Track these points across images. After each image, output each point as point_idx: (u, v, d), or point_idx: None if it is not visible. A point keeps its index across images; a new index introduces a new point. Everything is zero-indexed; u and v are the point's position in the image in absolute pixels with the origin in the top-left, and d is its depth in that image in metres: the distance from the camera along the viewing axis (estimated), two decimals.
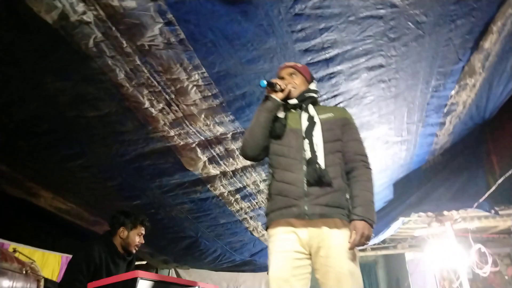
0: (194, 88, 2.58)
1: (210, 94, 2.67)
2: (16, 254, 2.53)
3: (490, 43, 2.91)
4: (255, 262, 6.21)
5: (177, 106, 2.69)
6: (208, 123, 2.93)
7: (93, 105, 2.51)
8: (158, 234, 4.47)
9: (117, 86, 2.38)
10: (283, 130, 2.03)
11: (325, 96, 3.03)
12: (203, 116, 2.85)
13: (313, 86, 2.20)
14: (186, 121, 2.85)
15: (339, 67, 2.77)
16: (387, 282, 9.67)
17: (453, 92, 3.46)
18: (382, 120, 3.59)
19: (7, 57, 2.10)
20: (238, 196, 4.12)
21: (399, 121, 3.68)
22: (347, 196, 1.93)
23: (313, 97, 2.15)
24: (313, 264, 1.85)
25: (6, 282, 2.22)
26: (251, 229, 4.97)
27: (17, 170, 3.15)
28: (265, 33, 2.33)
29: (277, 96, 2.04)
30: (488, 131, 4.52)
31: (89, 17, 1.94)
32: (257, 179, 3.93)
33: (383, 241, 7.58)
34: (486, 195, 4.57)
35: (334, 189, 1.87)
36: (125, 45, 2.13)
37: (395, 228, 5.90)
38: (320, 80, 2.85)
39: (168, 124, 2.82)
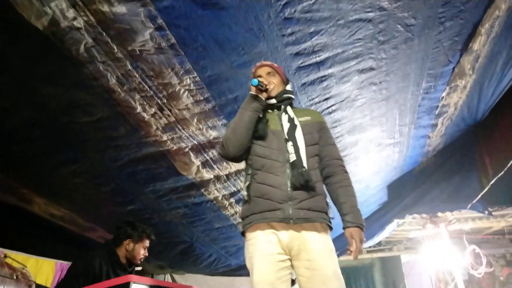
0: (186, 92, 2.59)
1: (202, 98, 2.68)
2: (7, 260, 2.52)
3: (479, 44, 2.94)
4: None
5: (169, 110, 2.70)
6: (201, 127, 2.94)
7: (85, 110, 2.51)
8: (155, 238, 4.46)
9: (109, 91, 2.38)
10: (266, 131, 2.01)
11: (317, 99, 3.05)
12: (195, 120, 2.86)
13: (289, 87, 2.19)
14: (178, 126, 2.86)
15: (330, 70, 2.79)
16: (384, 284, 9.68)
17: (444, 94, 3.49)
18: (374, 122, 3.62)
19: None
20: (232, 200, 4.12)
21: (391, 123, 3.71)
22: (327, 200, 1.96)
23: (291, 98, 2.15)
24: (295, 269, 1.85)
25: None
26: None
27: (10, 177, 3.14)
28: (256, 37, 2.35)
29: (262, 95, 2.03)
30: (480, 132, 4.55)
31: (79, 23, 1.95)
32: None
33: (379, 244, 7.60)
34: (479, 196, 4.60)
35: (317, 193, 1.89)
36: (116, 50, 2.14)
37: (390, 230, 5.91)
38: (311, 83, 2.87)
39: (160, 128, 2.83)
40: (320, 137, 2.06)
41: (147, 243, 3.05)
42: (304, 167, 1.85)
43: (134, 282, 2.20)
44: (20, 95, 2.32)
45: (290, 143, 1.93)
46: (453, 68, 3.17)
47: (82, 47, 2.06)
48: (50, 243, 4.35)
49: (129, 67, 2.27)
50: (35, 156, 2.84)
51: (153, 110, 2.65)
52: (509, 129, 4.17)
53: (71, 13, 1.89)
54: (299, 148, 1.91)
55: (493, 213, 5.13)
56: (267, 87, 2.04)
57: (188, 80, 2.49)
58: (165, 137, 2.93)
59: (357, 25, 2.48)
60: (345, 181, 2.00)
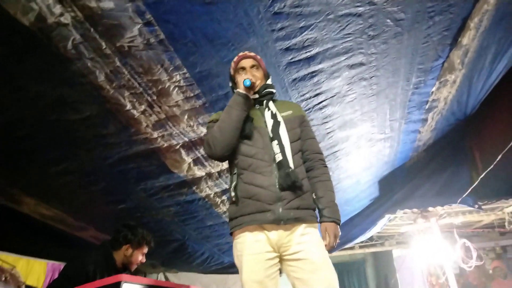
0: (176, 89, 2.57)
1: (192, 94, 2.66)
2: None
3: (468, 39, 2.96)
4: None
5: (159, 107, 2.68)
6: (192, 124, 2.92)
7: (74, 108, 2.48)
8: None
9: (97, 88, 2.36)
10: (252, 130, 1.99)
11: (307, 95, 3.05)
12: (186, 117, 2.84)
13: (269, 81, 2.18)
14: (169, 123, 2.84)
15: (320, 66, 2.79)
16: (376, 279, 9.74)
17: (434, 89, 3.51)
18: (365, 117, 3.63)
19: None
20: (224, 197, 4.10)
21: (382, 118, 3.72)
22: (314, 196, 1.97)
23: (273, 93, 2.13)
24: (284, 265, 1.86)
25: None
26: None
27: None
28: (246, 33, 2.34)
29: (250, 94, 2.01)
30: (470, 126, 4.58)
31: (66, 18, 1.92)
32: None
33: (371, 239, 7.65)
34: (469, 190, 4.63)
35: (304, 191, 1.90)
36: (104, 46, 2.12)
37: (381, 225, 5.95)
38: (302, 79, 2.86)
39: (150, 126, 2.81)
40: (302, 131, 2.07)
41: (145, 249, 3.02)
42: (290, 167, 1.85)
43: (125, 282, 2.18)
44: (7, 93, 2.28)
45: (275, 142, 1.92)
46: (443, 63, 3.18)
47: (69, 43, 2.03)
48: (41, 243, 4.31)
49: (118, 63, 2.25)
50: (23, 155, 2.80)
51: (143, 107, 2.63)
52: (499, 123, 4.21)
53: (58, 9, 1.86)
54: (284, 146, 1.90)
55: (483, 207, 5.17)
56: (255, 84, 2.03)
57: (178, 76, 2.47)
58: (155, 135, 2.91)
59: (346, 20, 2.48)
60: (323, 176, 2.02)
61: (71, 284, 2.56)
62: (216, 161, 3.45)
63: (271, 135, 1.95)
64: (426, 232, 6.20)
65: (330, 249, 1.87)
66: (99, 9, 1.91)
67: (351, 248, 7.79)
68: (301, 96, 3.03)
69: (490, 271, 6.97)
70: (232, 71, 2.21)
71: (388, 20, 2.58)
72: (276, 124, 1.96)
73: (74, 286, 2.50)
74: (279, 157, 1.88)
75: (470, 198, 4.83)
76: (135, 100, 2.55)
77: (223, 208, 4.28)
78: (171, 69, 2.40)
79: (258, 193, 1.86)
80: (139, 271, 6.19)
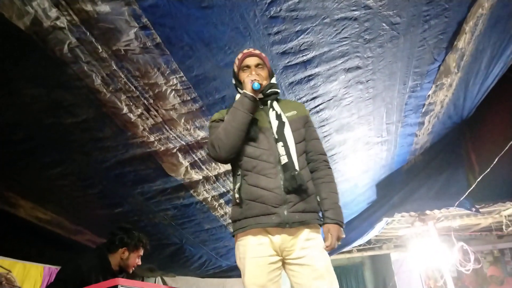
0: (173, 92, 2.57)
1: (189, 98, 2.66)
2: None
3: (464, 42, 2.97)
4: None
5: (156, 111, 2.68)
6: (188, 127, 2.92)
7: (70, 111, 2.48)
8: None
9: (94, 92, 2.36)
10: (257, 132, 1.93)
11: (304, 99, 3.06)
12: (183, 120, 2.84)
13: (274, 80, 2.12)
14: (166, 126, 2.84)
15: (316, 69, 2.80)
16: (374, 282, 9.73)
17: (430, 92, 3.52)
18: (362, 121, 3.63)
19: None
20: (222, 201, 4.10)
21: (379, 121, 3.73)
22: (318, 199, 1.93)
23: (277, 93, 2.08)
24: (286, 268, 1.85)
25: None
26: None
27: None
28: (242, 36, 2.34)
29: (256, 95, 1.94)
30: (467, 129, 4.60)
31: (62, 22, 1.92)
32: None
33: (369, 242, 7.64)
34: (467, 193, 4.64)
35: (309, 193, 1.87)
36: (100, 50, 2.12)
37: (379, 228, 5.95)
38: (298, 82, 2.87)
39: (147, 129, 2.81)
40: (306, 131, 2.03)
41: (141, 252, 3.01)
42: (296, 170, 1.81)
43: (122, 286, 2.17)
44: (3, 97, 2.28)
45: (280, 144, 1.88)
46: (439, 66, 3.19)
47: (65, 47, 2.03)
48: (38, 247, 4.29)
49: (114, 67, 2.25)
50: (19, 158, 2.80)
51: (140, 110, 2.63)
52: (495, 126, 4.23)
53: (54, 13, 1.86)
54: (290, 148, 1.86)
55: (480, 210, 5.18)
56: (262, 85, 1.95)
57: (174, 80, 2.47)
58: (152, 138, 2.90)
59: (342, 24, 2.49)
60: (327, 177, 1.98)
61: (67, 287, 2.55)
62: (218, 163, 3.45)
63: (276, 136, 1.90)
64: (424, 235, 6.20)
65: (330, 251, 1.85)
66: (95, 12, 1.91)
67: (349, 251, 7.78)
68: (297, 99, 3.04)
69: (487, 275, 6.98)
70: (236, 68, 2.14)
71: (384, 24, 2.59)
72: (281, 125, 1.92)
73: None
74: (284, 159, 1.84)
75: (468, 201, 4.84)
76: (131, 103, 2.55)
77: (221, 211, 4.27)
78: (167, 72, 2.40)
79: (263, 195, 1.82)
80: (137, 275, 6.17)
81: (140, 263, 3.02)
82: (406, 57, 2.98)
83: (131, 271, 2.96)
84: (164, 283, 6.55)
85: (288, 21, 2.34)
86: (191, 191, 3.73)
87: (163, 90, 2.53)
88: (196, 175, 3.51)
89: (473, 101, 4.04)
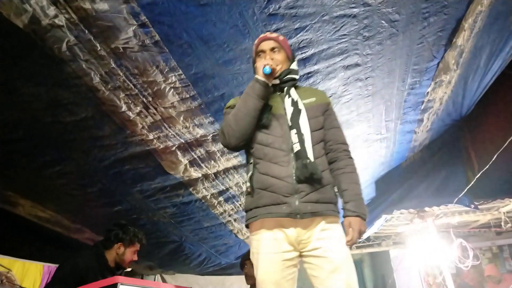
0: (172, 90, 2.57)
1: (188, 96, 2.66)
2: None
3: (463, 40, 2.97)
4: None
5: (155, 109, 2.67)
6: (188, 125, 2.92)
7: (68, 110, 2.47)
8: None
9: (92, 90, 2.35)
10: (270, 119, 1.87)
11: None
12: (182, 118, 2.83)
13: (294, 65, 2.03)
14: (165, 124, 2.84)
15: (316, 67, 2.79)
16: (373, 279, 9.74)
17: (429, 89, 3.52)
18: (361, 118, 3.63)
19: None
20: (221, 198, 4.10)
21: (378, 119, 3.73)
22: (336, 189, 1.86)
23: (295, 79, 1.99)
24: (304, 261, 1.78)
25: None
26: (235, 231, 4.96)
27: None
28: (241, 34, 2.33)
29: (269, 81, 1.87)
30: (466, 126, 4.60)
31: (61, 20, 1.91)
32: (239, 180, 3.92)
33: (368, 239, 7.65)
34: (466, 190, 4.65)
35: (324, 183, 1.78)
36: (99, 48, 2.11)
37: (378, 225, 5.96)
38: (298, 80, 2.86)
39: (146, 127, 2.80)
40: (325, 120, 1.94)
41: (137, 247, 3.03)
42: (308, 158, 1.73)
43: (122, 283, 2.18)
44: (1, 96, 2.28)
45: (294, 131, 1.80)
46: (438, 63, 3.19)
47: (64, 45, 2.02)
48: (37, 245, 4.29)
49: (113, 65, 2.24)
50: (18, 157, 2.80)
51: (138, 108, 2.62)
52: (494, 123, 4.23)
53: (52, 11, 1.86)
54: (303, 136, 1.78)
55: (479, 206, 5.18)
56: (275, 70, 1.89)
57: (173, 77, 2.47)
58: (151, 136, 2.90)
59: (341, 21, 2.48)
60: (348, 167, 1.87)
61: (66, 285, 2.56)
62: (213, 162, 3.45)
63: (290, 123, 1.83)
64: (423, 232, 6.20)
65: (352, 245, 1.76)
66: (94, 10, 1.90)
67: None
68: None
69: (485, 276, 7.01)
70: (253, 54, 2.09)
71: (383, 21, 2.59)
72: (296, 112, 1.84)
73: (70, 286, 2.50)
74: (297, 147, 1.77)
75: (467, 198, 4.84)
76: (130, 101, 2.54)
77: (220, 209, 4.28)
78: (166, 70, 2.40)
79: (273, 184, 1.76)
80: (136, 273, 6.18)
81: (136, 258, 3.03)
82: (405, 54, 2.97)
83: (127, 266, 2.98)
84: (164, 281, 6.56)
85: (287, 19, 2.33)
86: (190, 189, 3.73)
87: (162, 88, 2.52)
88: (195, 173, 3.51)
89: (472, 98, 4.04)
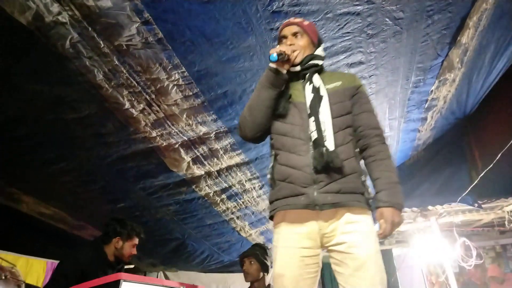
0: (175, 87, 2.56)
1: (191, 93, 2.66)
2: None
3: (467, 38, 2.95)
4: None
5: (158, 106, 2.67)
6: (191, 123, 2.92)
7: (72, 107, 2.47)
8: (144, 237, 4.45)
9: (96, 87, 2.35)
10: (287, 108, 1.78)
11: None
12: (185, 116, 2.83)
13: (319, 51, 1.91)
14: (168, 121, 2.84)
15: None
16: None
17: (433, 88, 3.50)
18: None
19: None
20: (224, 196, 4.11)
21: (381, 117, 3.72)
22: (363, 178, 1.73)
23: (317, 65, 1.86)
24: (330, 255, 1.69)
25: None
26: (238, 229, 4.97)
27: None
28: (244, 31, 2.33)
29: (283, 68, 1.78)
30: (470, 125, 4.58)
31: (64, 17, 1.91)
32: (242, 178, 3.93)
33: None
34: (469, 189, 4.63)
35: (347, 172, 1.66)
36: (102, 45, 2.11)
37: None
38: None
39: (149, 124, 2.80)
40: (354, 104, 1.81)
41: (136, 241, 3.03)
42: (325, 146, 1.63)
43: (125, 280, 2.18)
44: (5, 92, 2.28)
45: (312, 119, 1.70)
46: (442, 62, 3.17)
47: (67, 42, 2.02)
48: (40, 242, 4.32)
49: (116, 62, 2.24)
50: (22, 154, 2.80)
51: (142, 106, 2.62)
52: (498, 122, 4.20)
53: (55, 8, 1.86)
54: (321, 123, 1.67)
55: (482, 205, 5.16)
56: (290, 56, 1.77)
57: (176, 75, 2.46)
58: (154, 133, 2.90)
59: (345, 19, 2.47)
60: (380, 154, 1.73)
61: (68, 281, 2.57)
62: (216, 160, 3.45)
63: (309, 111, 1.72)
64: (426, 231, 6.19)
65: (384, 238, 1.64)
66: (97, 7, 1.90)
67: None
68: None
69: (488, 277, 7.01)
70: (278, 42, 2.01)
71: (387, 19, 2.57)
72: (316, 98, 1.72)
73: (70, 283, 2.51)
74: (314, 135, 1.66)
75: (470, 197, 4.83)
76: (133, 99, 2.55)
77: (223, 206, 4.28)
78: (169, 67, 2.39)
79: (291, 174, 1.68)
80: (139, 270, 6.20)
81: (135, 252, 3.04)
82: (409, 52, 2.96)
83: (127, 260, 2.98)
84: (166, 278, 6.57)
85: (290, 16, 2.31)
86: (193, 186, 3.73)
87: (165, 85, 2.52)
88: (198, 170, 3.51)
89: (476, 97, 4.02)
